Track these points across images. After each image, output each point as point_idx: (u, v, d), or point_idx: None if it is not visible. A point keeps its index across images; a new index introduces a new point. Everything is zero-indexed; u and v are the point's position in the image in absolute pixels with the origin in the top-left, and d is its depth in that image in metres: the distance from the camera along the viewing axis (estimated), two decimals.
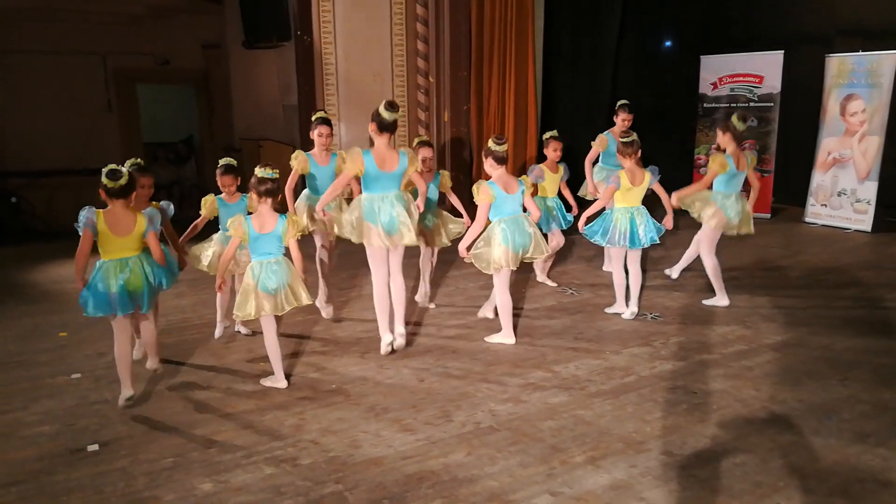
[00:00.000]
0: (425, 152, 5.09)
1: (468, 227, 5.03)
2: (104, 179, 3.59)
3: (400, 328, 4.62)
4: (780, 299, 5.69)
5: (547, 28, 8.82)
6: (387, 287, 4.51)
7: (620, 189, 5.03)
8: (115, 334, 3.79)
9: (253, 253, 4.00)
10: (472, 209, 4.86)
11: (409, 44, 8.47)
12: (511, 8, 8.22)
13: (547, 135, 5.88)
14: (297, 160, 4.90)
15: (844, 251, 7.43)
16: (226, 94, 10.77)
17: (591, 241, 5.24)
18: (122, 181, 3.60)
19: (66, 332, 5.08)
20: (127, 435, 3.57)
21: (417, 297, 5.63)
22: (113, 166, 3.64)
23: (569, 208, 5.99)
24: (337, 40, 8.21)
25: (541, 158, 8.55)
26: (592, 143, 6.38)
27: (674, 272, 6.11)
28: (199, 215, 4.66)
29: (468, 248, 4.63)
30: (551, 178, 5.87)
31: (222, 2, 9.96)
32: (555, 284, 6.19)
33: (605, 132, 6.39)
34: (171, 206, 4.37)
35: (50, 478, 3.19)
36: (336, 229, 4.57)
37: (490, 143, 4.64)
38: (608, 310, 5.40)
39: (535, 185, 5.81)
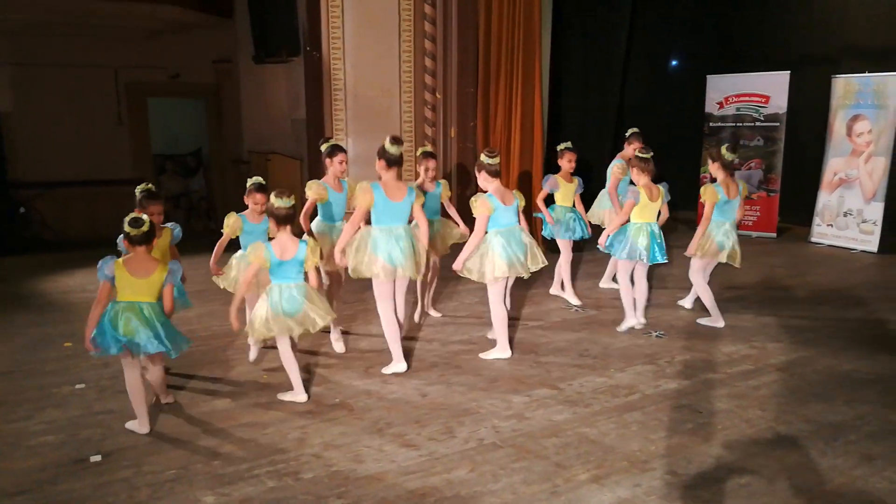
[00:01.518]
0: (429, 163, 5.32)
1: (465, 236, 5.24)
2: (127, 227, 3.58)
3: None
4: (786, 319, 5.67)
5: (554, 46, 8.88)
6: (395, 315, 4.53)
7: (639, 204, 5.09)
8: (125, 369, 3.67)
9: (274, 277, 4.02)
10: (469, 222, 4.91)
11: (417, 60, 8.54)
12: (518, 26, 8.29)
13: (562, 146, 5.95)
14: (313, 189, 4.84)
15: (850, 272, 7.41)
16: (235, 107, 10.86)
17: (613, 255, 5.30)
18: (144, 228, 3.59)
19: (70, 342, 5.10)
20: (130, 446, 3.58)
21: (416, 316, 5.62)
22: (135, 214, 3.64)
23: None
24: (346, 56, 8.28)
25: (548, 173, 8.57)
26: (610, 172, 6.25)
27: (686, 302, 6.00)
28: (218, 231, 4.67)
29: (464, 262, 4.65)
30: (567, 188, 5.95)
31: (233, 17, 10.08)
32: (564, 294, 6.22)
33: (618, 161, 6.26)
34: (178, 229, 4.40)
35: (53, 487, 3.19)
36: (350, 271, 4.48)
37: (483, 157, 4.65)
38: (620, 328, 5.37)
39: (549, 194, 5.96)
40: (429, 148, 5.44)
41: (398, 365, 4.52)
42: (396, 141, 4.40)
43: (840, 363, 4.70)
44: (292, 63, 8.78)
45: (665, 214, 5.34)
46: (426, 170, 5.33)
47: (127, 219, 3.62)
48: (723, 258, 5.36)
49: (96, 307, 3.57)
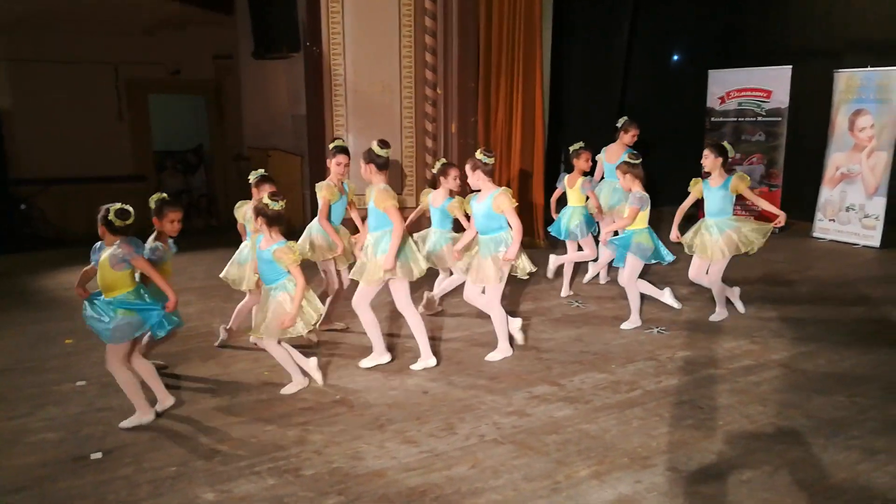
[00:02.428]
0: (454, 172, 5.19)
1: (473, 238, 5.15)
2: (112, 216, 3.57)
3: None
4: (788, 314, 5.66)
5: (555, 41, 8.85)
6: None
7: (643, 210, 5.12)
8: (114, 363, 3.73)
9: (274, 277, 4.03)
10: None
11: (417, 55, 8.51)
12: (519, 21, 8.26)
13: (577, 146, 5.95)
14: (326, 189, 4.84)
15: (853, 266, 7.38)
16: (236, 103, 10.84)
17: (635, 260, 5.21)
18: (130, 222, 3.61)
19: (72, 339, 5.10)
20: (131, 443, 3.58)
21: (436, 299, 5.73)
22: (120, 205, 3.61)
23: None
24: (346, 51, 8.25)
25: (549, 170, 8.54)
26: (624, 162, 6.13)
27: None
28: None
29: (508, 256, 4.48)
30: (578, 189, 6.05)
31: (233, 13, 10.05)
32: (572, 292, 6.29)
33: (630, 151, 6.03)
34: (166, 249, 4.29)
35: (53, 485, 3.19)
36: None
37: (480, 156, 4.52)
38: (625, 326, 5.35)
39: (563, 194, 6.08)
40: (444, 160, 5.38)
41: (431, 360, 4.59)
42: (384, 144, 4.40)
43: (842, 358, 4.69)
44: (292, 59, 8.76)
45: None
46: (454, 178, 5.17)
47: (114, 208, 3.58)
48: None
49: (160, 279, 3.71)
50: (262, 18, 9.20)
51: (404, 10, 8.35)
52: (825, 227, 8.75)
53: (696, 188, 5.49)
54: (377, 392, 4.20)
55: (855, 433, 3.62)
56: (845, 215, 8.54)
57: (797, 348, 4.90)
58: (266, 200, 3.99)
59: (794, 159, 9.27)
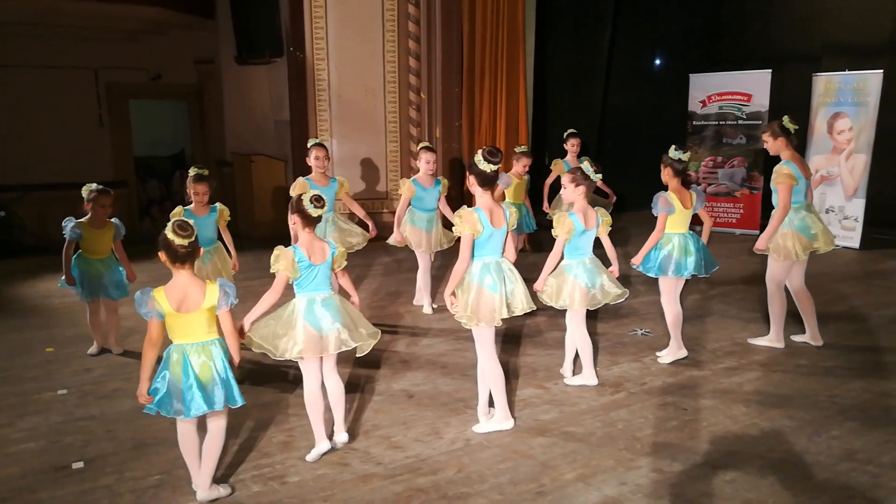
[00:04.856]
0: (429, 156, 5.57)
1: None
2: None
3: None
4: (768, 316, 5.70)
5: (538, 46, 8.91)
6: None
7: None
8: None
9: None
10: None
11: (401, 60, 8.53)
12: (503, 26, 8.31)
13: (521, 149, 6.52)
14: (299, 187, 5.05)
15: (833, 268, 7.47)
16: (218, 108, 10.77)
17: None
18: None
19: (52, 348, 5.04)
20: (113, 452, 3.54)
21: (422, 306, 5.94)
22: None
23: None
24: (329, 56, 8.25)
25: (533, 172, 8.63)
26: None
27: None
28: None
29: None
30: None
31: (215, 17, 9.99)
32: None
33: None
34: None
35: (34, 495, 3.15)
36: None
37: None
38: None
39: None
40: (427, 143, 5.83)
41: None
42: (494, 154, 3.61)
43: (823, 359, 4.75)
44: (275, 64, 8.73)
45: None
46: (426, 163, 5.55)
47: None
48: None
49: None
50: (245, 23, 9.16)
51: (388, 14, 8.37)
52: None
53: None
54: (363, 397, 4.19)
55: (835, 433, 3.66)
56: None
57: (778, 349, 4.95)
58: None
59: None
